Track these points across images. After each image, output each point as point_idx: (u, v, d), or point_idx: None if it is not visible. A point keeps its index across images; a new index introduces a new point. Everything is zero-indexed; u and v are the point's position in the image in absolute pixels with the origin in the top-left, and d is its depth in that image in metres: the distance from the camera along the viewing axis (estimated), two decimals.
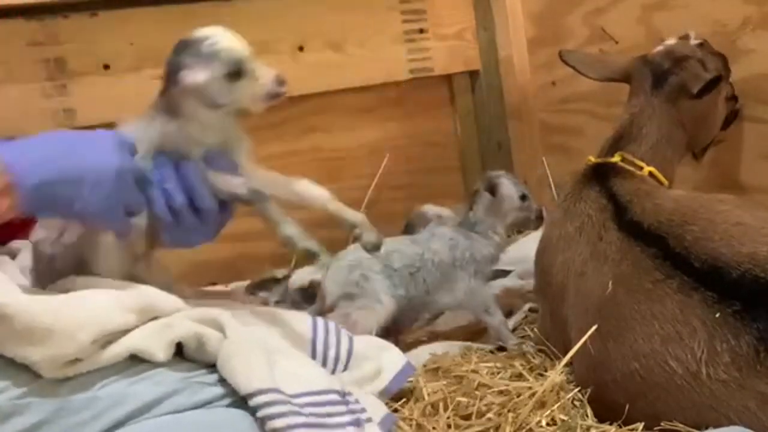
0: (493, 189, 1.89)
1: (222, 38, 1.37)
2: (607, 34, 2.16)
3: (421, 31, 2.54)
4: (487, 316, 1.85)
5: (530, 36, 2.55)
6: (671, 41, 1.84)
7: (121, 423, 1.16)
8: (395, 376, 1.46)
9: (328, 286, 1.80)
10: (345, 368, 1.42)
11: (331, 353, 1.42)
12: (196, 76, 1.33)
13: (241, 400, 1.23)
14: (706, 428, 1.28)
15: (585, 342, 1.45)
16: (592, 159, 1.78)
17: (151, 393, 1.19)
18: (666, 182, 1.73)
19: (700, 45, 1.84)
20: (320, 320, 1.46)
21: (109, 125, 2.03)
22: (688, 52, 1.79)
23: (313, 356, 1.40)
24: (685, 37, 1.86)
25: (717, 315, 1.30)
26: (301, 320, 1.45)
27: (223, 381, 1.25)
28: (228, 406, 1.23)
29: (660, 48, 1.83)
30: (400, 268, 1.80)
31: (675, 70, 1.77)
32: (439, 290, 1.84)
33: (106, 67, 2.05)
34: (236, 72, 1.34)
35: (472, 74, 2.68)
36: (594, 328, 1.45)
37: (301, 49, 2.33)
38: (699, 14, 1.98)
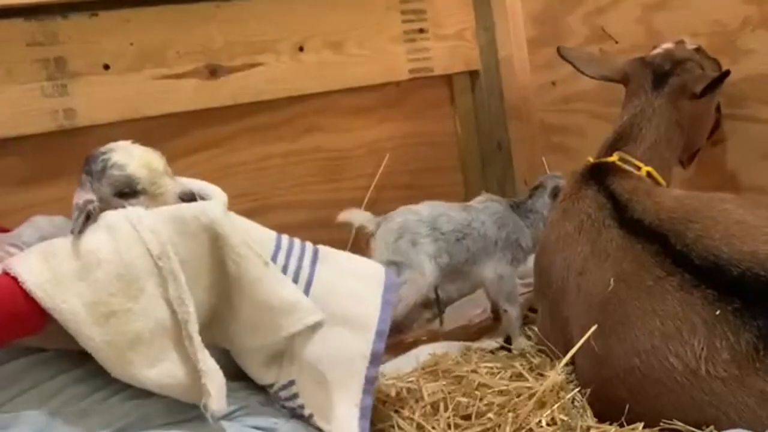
0: (556, 192, 1.95)
1: (118, 155, 1.30)
2: (607, 34, 2.16)
3: (421, 31, 2.54)
4: (508, 305, 1.86)
5: (530, 36, 2.55)
6: (668, 45, 1.85)
7: None
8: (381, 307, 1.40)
9: (377, 245, 1.81)
10: (309, 284, 1.39)
11: (292, 264, 1.40)
12: (81, 196, 1.28)
13: (231, 414, 1.24)
14: (707, 426, 1.28)
15: (587, 339, 1.45)
16: (591, 160, 1.79)
17: (139, 411, 1.20)
18: (663, 183, 1.74)
19: (696, 50, 1.86)
20: (284, 236, 1.45)
21: (109, 125, 2.06)
22: (687, 55, 1.81)
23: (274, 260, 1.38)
24: (680, 42, 1.87)
25: (717, 312, 1.31)
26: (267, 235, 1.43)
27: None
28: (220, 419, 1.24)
29: (658, 50, 1.84)
30: (447, 233, 1.81)
31: (676, 71, 1.78)
32: (478, 262, 1.85)
33: (106, 67, 2.05)
34: (127, 192, 1.29)
35: (472, 74, 2.68)
36: (594, 328, 1.46)
37: (301, 49, 2.33)
38: (699, 14, 1.97)
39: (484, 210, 1.91)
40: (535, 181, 2.05)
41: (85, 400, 1.20)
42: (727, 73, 1.75)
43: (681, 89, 1.77)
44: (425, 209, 1.86)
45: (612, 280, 1.48)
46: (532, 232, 1.93)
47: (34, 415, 1.16)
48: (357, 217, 1.87)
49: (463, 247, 1.83)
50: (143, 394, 1.21)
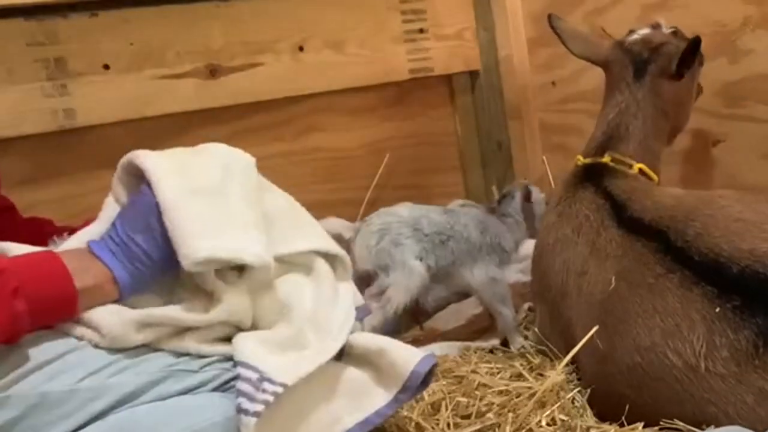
0: (528, 195, 1.95)
1: None
2: (607, 34, 2.15)
3: (421, 31, 2.54)
4: (502, 307, 1.85)
5: (530, 36, 2.55)
6: (645, 30, 1.83)
7: (102, 414, 1.15)
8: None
9: (358, 251, 1.78)
10: None
11: None
12: None
13: (224, 384, 1.23)
14: (707, 425, 1.28)
15: (589, 340, 1.46)
16: (581, 159, 1.79)
17: (132, 383, 1.18)
18: (656, 178, 1.74)
19: (674, 33, 1.84)
20: None
21: (110, 125, 2.06)
22: (664, 39, 1.79)
23: None
24: (656, 26, 1.85)
25: (717, 309, 1.31)
26: None
27: (207, 366, 1.24)
28: (212, 391, 1.23)
29: (636, 36, 1.81)
30: (430, 234, 1.79)
31: (653, 58, 1.76)
32: (464, 265, 1.83)
33: (106, 67, 2.05)
34: None
35: (472, 74, 2.68)
36: (595, 329, 1.46)
37: (301, 49, 2.33)
38: (699, 14, 1.98)
39: (465, 214, 1.90)
40: (504, 189, 2.04)
41: (78, 378, 1.18)
42: (698, 40, 1.70)
43: (660, 73, 1.75)
44: (404, 211, 1.83)
45: (613, 278, 1.49)
46: (510, 236, 1.92)
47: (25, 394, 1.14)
48: (332, 225, 1.83)
49: (447, 250, 1.80)
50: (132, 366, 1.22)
